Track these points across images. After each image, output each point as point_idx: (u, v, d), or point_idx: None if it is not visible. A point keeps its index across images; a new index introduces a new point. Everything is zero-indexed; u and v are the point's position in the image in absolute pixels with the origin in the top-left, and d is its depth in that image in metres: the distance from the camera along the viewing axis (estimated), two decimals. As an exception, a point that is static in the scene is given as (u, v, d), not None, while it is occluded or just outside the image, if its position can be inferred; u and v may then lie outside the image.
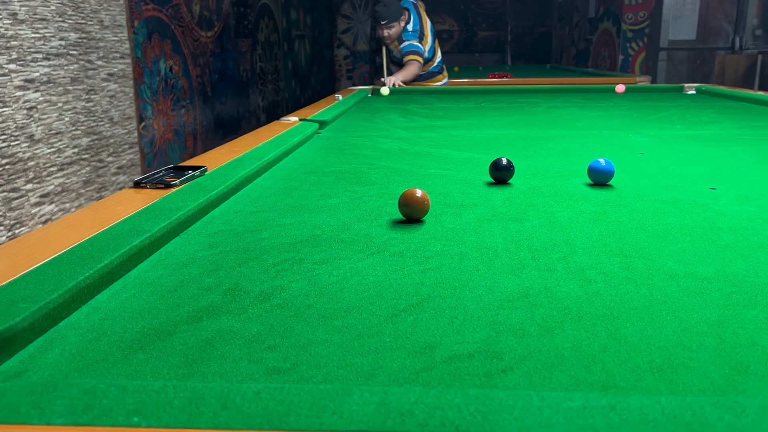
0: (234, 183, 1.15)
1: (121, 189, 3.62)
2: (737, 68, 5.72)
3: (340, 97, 2.81)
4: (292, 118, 2.06)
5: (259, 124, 6.21)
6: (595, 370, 0.54)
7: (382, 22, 3.78)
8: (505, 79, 4.53)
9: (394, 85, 3.59)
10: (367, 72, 10.06)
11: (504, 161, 1.26)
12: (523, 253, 0.84)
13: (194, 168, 1.17)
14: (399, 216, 1.03)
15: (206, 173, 1.18)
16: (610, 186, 1.22)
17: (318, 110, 2.38)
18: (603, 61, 7.19)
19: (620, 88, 3.29)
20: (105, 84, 3.50)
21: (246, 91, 5.84)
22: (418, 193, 1.00)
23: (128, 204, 0.96)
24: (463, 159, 1.55)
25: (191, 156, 4.56)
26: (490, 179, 1.30)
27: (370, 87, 3.56)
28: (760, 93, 2.89)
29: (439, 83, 4.04)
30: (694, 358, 0.55)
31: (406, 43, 3.82)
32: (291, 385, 0.46)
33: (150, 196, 1.00)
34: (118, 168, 3.65)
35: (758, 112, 2.42)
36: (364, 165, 1.50)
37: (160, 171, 1.16)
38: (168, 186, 1.06)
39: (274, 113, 6.76)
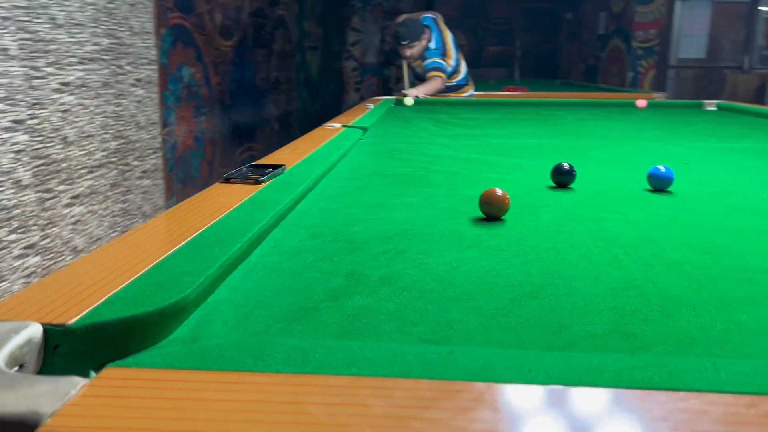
0: (310, 182, 1.20)
1: (145, 193, 3.67)
2: (748, 87, 5.81)
3: (371, 106, 2.87)
4: (336, 125, 2.11)
5: (273, 134, 6.27)
6: (727, 349, 0.58)
7: (403, 42, 3.82)
8: (522, 93, 4.60)
9: (416, 96, 3.65)
10: (374, 84, 10.15)
11: (566, 166, 1.31)
12: (615, 249, 0.89)
13: (274, 167, 1.22)
14: (477, 215, 1.07)
15: (285, 171, 1.23)
16: (670, 192, 1.27)
17: (354, 118, 2.43)
18: (612, 78, 7.28)
19: (641, 102, 3.36)
20: (133, 89, 3.55)
21: (261, 100, 5.90)
22: (499, 192, 1.05)
23: (230, 196, 1.00)
24: (515, 165, 1.60)
25: (209, 164, 4.62)
26: (549, 184, 1.34)
27: (394, 98, 3.61)
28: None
29: (466, 94, 4.09)
30: (815, 340, 0.60)
31: (429, 60, 3.86)
32: (480, 348, 0.50)
33: (245, 190, 1.05)
34: (143, 172, 3.69)
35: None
36: (420, 169, 1.54)
37: (242, 168, 1.20)
38: (257, 182, 1.10)
39: (287, 123, 6.82)
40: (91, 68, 3.10)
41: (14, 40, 2.51)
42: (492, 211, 1.05)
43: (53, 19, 2.83)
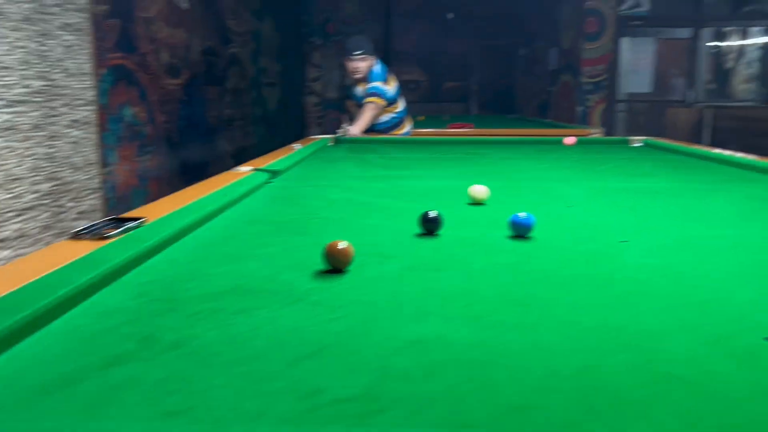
0: (171, 234, 1.21)
1: (81, 234, 3.63)
2: (687, 121, 5.99)
3: (298, 146, 2.90)
4: (245, 168, 2.12)
5: (226, 169, 6.28)
6: (458, 410, 0.60)
7: (356, 52, 3.81)
8: (464, 130, 4.68)
9: (353, 135, 3.68)
10: (336, 119, 10.26)
11: (432, 213, 1.34)
12: (431, 302, 0.91)
13: (134, 219, 1.23)
14: (326, 266, 1.09)
15: (145, 224, 1.23)
16: (530, 238, 1.30)
17: (274, 159, 2.45)
18: (563, 112, 7.45)
19: (570, 140, 3.44)
20: (68, 130, 3.53)
21: (213, 137, 5.91)
22: (342, 244, 1.07)
23: (63, 255, 1.00)
24: (401, 209, 1.62)
25: (154, 201, 4.59)
26: (420, 231, 1.37)
27: (332, 136, 3.65)
28: (702, 148, 3.05)
29: (404, 131, 4.13)
30: (550, 401, 0.62)
31: (371, 84, 3.88)
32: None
33: (86, 248, 1.05)
34: (79, 213, 3.65)
35: (696, 165, 2.56)
36: (305, 215, 1.56)
37: (101, 222, 1.20)
38: (104, 238, 1.11)
39: (242, 158, 6.83)
40: (20, 111, 3.08)
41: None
42: (334, 264, 1.07)
43: (-23, 63, 2.82)
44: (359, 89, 3.98)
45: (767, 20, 7.30)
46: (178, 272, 1.05)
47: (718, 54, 7.77)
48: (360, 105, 3.95)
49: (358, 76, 3.89)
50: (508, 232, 1.34)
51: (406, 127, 4.18)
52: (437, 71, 9.41)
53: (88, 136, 3.74)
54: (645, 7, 7.12)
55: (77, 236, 1.12)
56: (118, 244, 1.08)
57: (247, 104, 7.10)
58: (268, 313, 0.87)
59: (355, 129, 3.75)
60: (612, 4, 6.89)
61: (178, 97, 5.07)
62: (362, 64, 3.83)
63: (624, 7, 7.05)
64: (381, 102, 3.85)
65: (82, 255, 1.00)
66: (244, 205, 1.65)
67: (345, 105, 4.34)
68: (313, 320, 0.84)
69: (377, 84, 3.88)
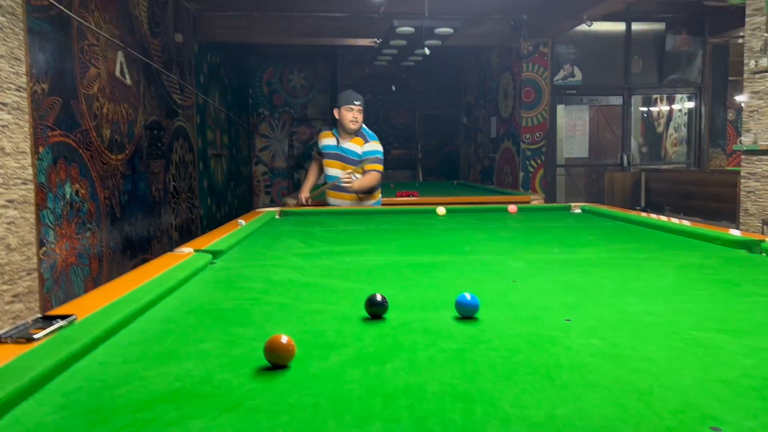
0: (104, 331, 1.15)
1: (15, 318, 3.44)
2: (624, 184, 6.23)
3: (243, 223, 2.86)
4: (186, 250, 2.07)
5: (172, 243, 6.13)
6: None
7: (357, 102, 3.77)
8: (411, 198, 4.73)
9: (307, 201, 3.62)
10: (285, 187, 10.28)
11: (378, 297, 1.32)
12: (375, 401, 0.88)
13: (63, 317, 1.17)
14: (266, 361, 1.05)
15: (75, 322, 1.17)
16: (476, 319, 1.30)
17: (217, 237, 2.40)
18: (506, 178, 7.65)
19: (512, 208, 3.51)
20: (3, 210, 3.41)
21: (158, 210, 5.81)
22: (282, 339, 1.04)
23: (-22, 365, 0.94)
24: (347, 290, 1.60)
25: (95, 280, 4.43)
26: (366, 315, 1.34)
27: (277, 209, 3.62)
28: (638, 214, 3.16)
29: (375, 200, 4.12)
30: None
31: (373, 144, 3.82)
32: None
33: (8, 354, 0.99)
34: (14, 296, 3.49)
35: (633, 232, 2.64)
36: (248, 301, 1.52)
37: (27, 322, 1.14)
38: (30, 340, 1.04)
39: (188, 231, 6.71)
40: (-50, 193, 2.96)
41: None
42: (275, 360, 1.03)
43: None
44: (353, 146, 3.88)
45: (690, 87, 7.78)
46: (109, 376, 0.99)
47: (649, 118, 8.19)
48: (349, 160, 3.87)
49: (355, 126, 3.83)
50: (454, 313, 1.33)
51: (379, 196, 4.17)
52: (383, 139, 9.58)
53: (26, 216, 3.62)
54: (577, 76, 7.50)
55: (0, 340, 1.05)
56: (43, 348, 1.02)
57: (193, 176, 7.05)
58: (203, 422, 0.82)
59: (357, 184, 3.72)
60: (546, 75, 7.23)
61: (121, 171, 4.99)
62: (360, 115, 3.82)
63: (558, 77, 7.41)
64: (382, 169, 3.84)
65: (2, 364, 0.94)
66: (184, 292, 1.60)
67: (316, 157, 4.21)
68: (251, 430, 0.80)
69: (377, 146, 3.82)
